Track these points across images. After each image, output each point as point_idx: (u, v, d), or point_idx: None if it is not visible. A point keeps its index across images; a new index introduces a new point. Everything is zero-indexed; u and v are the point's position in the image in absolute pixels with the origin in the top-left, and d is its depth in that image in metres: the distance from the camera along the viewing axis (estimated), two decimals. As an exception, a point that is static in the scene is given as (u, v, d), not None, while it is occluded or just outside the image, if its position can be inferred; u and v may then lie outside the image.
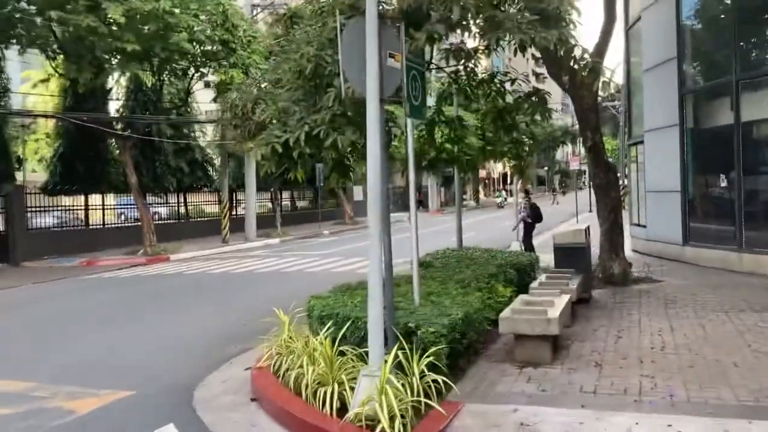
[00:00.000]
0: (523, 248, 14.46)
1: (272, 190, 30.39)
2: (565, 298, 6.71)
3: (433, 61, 8.54)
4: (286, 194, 38.27)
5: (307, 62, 6.77)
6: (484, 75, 8.51)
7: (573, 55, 7.04)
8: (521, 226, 15.27)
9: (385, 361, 4.79)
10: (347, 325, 5.73)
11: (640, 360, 6.09)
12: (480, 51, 8.58)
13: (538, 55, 8.70)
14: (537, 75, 8.66)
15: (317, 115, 6.72)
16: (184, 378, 6.76)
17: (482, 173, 60.86)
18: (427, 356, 5.09)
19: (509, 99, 8.72)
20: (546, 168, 79.35)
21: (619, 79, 22.63)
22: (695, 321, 7.75)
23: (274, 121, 7.29)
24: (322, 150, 6.70)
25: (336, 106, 6.39)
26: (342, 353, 5.47)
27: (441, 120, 8.73)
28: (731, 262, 11.52)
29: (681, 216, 12.96)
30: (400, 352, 5.07)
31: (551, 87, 10.74)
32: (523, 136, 9.01)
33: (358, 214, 40.31)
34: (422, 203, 48.40)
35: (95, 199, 25.08)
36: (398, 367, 4.99)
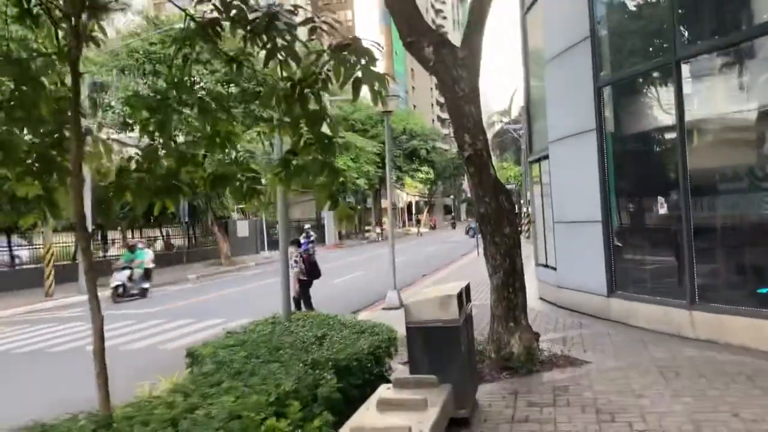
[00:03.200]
0: (302, 308, 11.14)
1: (120, 227, 25.24)
2: None
3: None
4: (156, 232, 33.65)
5: None
6: (257, 16, 4.37)
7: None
8: (297, 285, 11.41)
9: None
10: None
11: None
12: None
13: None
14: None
15: None
16: None
17: (384, 202, 57.03)
18: None
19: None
20: (452, 197, 77.12)
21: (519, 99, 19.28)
22: (665, 487, 3.87)
23: None
24: None
25: None
26: None
27: (183, 101, 4.55)
28: (679, 324, 7.90)
29: (604, 255, 9.25)
30: None
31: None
32: (339, 136, 4.92)
33: (241, 252, 35.81)
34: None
35: None
36: None
